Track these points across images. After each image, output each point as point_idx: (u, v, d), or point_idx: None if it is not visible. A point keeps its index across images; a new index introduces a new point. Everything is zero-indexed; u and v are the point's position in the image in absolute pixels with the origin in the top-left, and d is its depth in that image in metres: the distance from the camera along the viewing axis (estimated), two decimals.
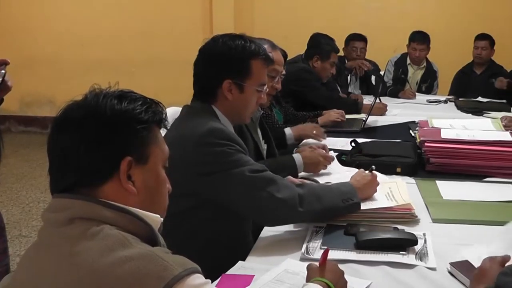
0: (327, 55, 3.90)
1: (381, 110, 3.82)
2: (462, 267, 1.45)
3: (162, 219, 1.09)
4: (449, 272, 1.47)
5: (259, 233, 1.74)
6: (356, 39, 4.96)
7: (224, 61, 1.76)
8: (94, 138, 1.00)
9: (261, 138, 2.45)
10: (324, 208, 1.70)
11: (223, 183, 1.64)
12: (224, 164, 1.64)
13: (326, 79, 4.04)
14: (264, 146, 2.46)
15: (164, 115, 1.11)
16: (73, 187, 1.01)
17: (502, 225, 1.78)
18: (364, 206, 1.80)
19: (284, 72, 3.23)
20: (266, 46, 2.29)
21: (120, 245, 0.93)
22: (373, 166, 1.93)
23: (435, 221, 1.82)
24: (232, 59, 1.76)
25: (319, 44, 3.95)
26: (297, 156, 2.25)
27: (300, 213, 1.65)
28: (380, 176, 2.17)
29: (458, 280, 1.44)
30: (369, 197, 1.85)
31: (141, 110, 1.04)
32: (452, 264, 1.48)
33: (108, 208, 0.99)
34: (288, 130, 2.57)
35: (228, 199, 1.67)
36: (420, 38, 5.06)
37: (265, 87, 1.85)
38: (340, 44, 4.72)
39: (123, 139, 1.02)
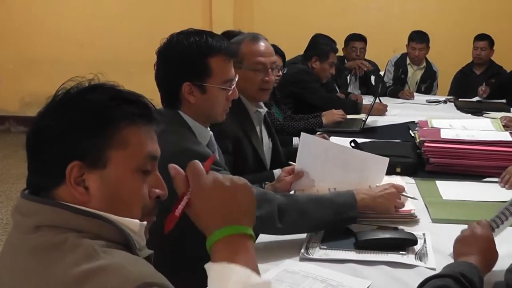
0: (326, 55, 3.90)
1: (381, 111, 3.82)
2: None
3: (143, 223, 0.98)
4: None
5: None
6: (356, 39, 4.97)
7: (179, 62, 1.63)
8: (45, 140, 0.94)
9: (267, 137, 2.41)
10: (310, 224, 1.62)
11: None
12: None
13: (325, 79, 4.04)
14: (269, 145, 2.42)
15: (146, 109, 0.99)
16: (37, 188, 0.97)
17: None
18: None
19: (279, 64, 3.19)
20: (247, 40, 2.21)
21: (85, 258, 0.86)
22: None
23: (434, 221, 1.82)
24: (187, 59, 1.63)
25: (318, 44, 3.95)
26: (277, 172, 2.14)
27: (279, 229, 1.59)
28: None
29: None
30: (386, 210, 1.74)
31: (100, 109, 0.94)
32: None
33: (76, 213, 0.92)
34: None
35: None
36: (419, 38, 5.07)
37: (233, 82, 1.71)
38: (340, 44, 4.72)
39: (69, 142, 0.93)
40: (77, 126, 0.93)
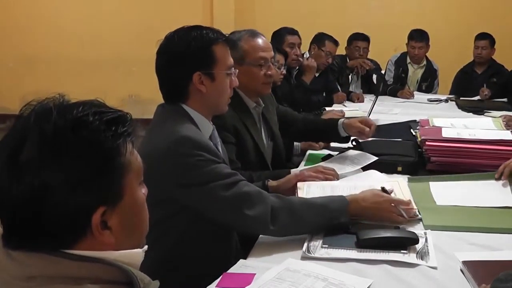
0: (282, 39, 3.86)
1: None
2: (472, 268, 1.43)
3: (143, 250, 0.93)
4: (461, 270, 1.46)
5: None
6: (359, 39, 4.96)
7: (187, 55, 1.69)
8: (54, 197, 0.80)
9: (267, 135, 2.42)
10: (301, 228, 1.64)
11: (195, 197, 1.60)
12: (195, 178, 1.59)
13: (296, 64, 4.02)
14: (269, 143, 2.43)
15: (132, 121, 0.90)
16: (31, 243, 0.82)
17: (500, 232, 1.75)
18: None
19: (281, 63, 3.21)
20: (246, 37, 2.25)
21: None
22: (385, 187, 1.81)
23: (426, 227, 1.73)
24: (194, 51, 1.69)
25: (274, 36, 3.92)
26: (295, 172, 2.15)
27: (271, 231, 1.61)
28: (380, 176, 2.16)
29: (466, 278, 1.42)
30: (382, 220, 1.72)
31: (104, 145, 0.83)
32: (464, 262, 1.46)
33: (73, 260, 0.82)
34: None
35: (201, 211, 1.63)
36: (418, 36, 5.07)
37: (233, 69, 1.78)
38: (342, 42, 4.73)
39: (89, 192, 0.82)
40: (92, 172, 0.82)
